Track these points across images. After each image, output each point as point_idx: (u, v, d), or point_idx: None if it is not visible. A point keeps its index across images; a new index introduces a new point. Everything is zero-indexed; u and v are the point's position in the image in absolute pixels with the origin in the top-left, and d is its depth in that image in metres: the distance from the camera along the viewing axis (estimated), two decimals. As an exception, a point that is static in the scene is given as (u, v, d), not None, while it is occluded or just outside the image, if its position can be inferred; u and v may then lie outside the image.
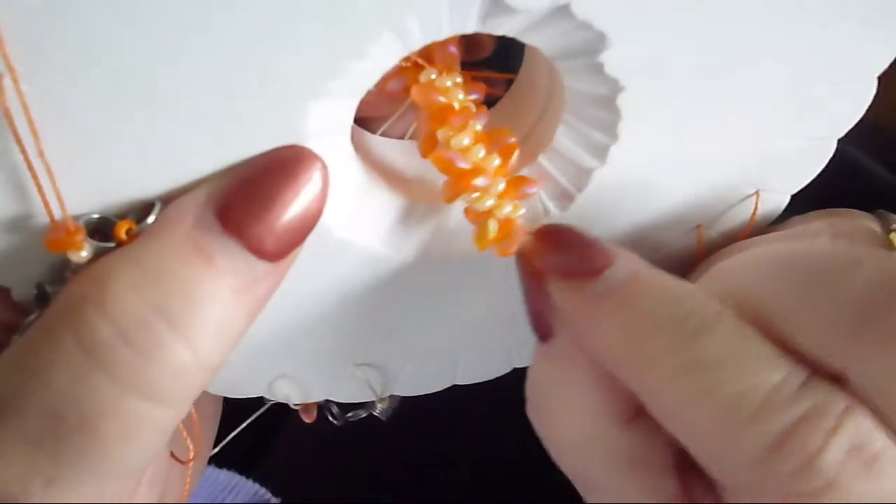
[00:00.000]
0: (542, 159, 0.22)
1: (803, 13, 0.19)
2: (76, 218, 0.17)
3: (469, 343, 0.25)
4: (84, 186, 0.17)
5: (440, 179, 0.21)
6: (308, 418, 0.26)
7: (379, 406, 0.27)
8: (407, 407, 0.31)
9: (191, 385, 0.17)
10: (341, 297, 0.22)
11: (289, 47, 0.16)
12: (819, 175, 0.23)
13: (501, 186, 0.20)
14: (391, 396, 0.27)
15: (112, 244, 0.17)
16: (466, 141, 0.20)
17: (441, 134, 0.20)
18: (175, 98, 0.16)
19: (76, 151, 0.17)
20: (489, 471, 0.35)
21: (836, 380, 0.16)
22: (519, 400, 0.21)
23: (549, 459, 0.20)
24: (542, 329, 0.20)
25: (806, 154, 0.23)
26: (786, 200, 0.24)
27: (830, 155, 0.23)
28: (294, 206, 0.18)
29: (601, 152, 0.21)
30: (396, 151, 0.23)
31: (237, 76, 0.16)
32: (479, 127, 0.20)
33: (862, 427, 0.16)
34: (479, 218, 0.21)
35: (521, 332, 0.21)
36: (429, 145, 0.20)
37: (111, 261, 0.17)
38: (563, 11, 0.18)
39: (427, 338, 0.25)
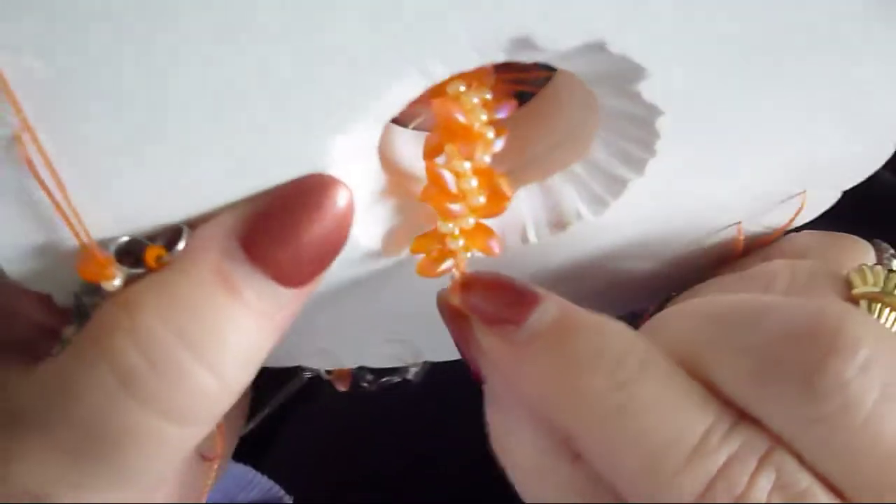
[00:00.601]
0: (576, 167, 0.22)
1: (850, 32, 0.18)
2: (106, 242, 0.18)
3: None
4: (115, 212, 0.18)
5: None
6: (342, 386, 0.27)
7: (412, 370, 0.28)
8: (408, 404, 0.32)
9: (215, 407, 0.18)
10: (368, 288, 0.23)
11: (309, 86, 0.17)
12: None
13: (471, 223, 0.20)
14: (424, 362, 0.27)
15: (142, 270, 0.18)
16: (467, 166, 0.20)
17: (448, 149, 0.20)
18: (198, 129, 0.17)
19: (107, 180, 0.17)
20: (493, 469, 0.36)
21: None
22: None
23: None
24: (476, 373, 0.20)
25: (860, 155, 0.22)
26: (837, 196, 0.24)
27: (889, 155, 0.22)
28: (318, 235, 0.18)
29: (638, 165, 0.21)
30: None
31: (260, 111, 0.17)
32: (487, 158, 0.20)
33: (785, 467, 0.16)
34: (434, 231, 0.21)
35: None
36: (434, 152, 0.20)
37: (141, 289, 0.18)
38: (598, 46, 0.17)
39: None
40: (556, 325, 0.18)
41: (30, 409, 0.18)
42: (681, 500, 0.16)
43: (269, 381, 0.28)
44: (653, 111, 0.19)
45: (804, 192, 0.23)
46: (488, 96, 0.20)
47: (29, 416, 0.18)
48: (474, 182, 0.20)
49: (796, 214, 0.24)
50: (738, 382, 0.17)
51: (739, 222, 0.24)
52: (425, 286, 0.23)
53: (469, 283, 0.20)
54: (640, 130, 0.20)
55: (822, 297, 0.19)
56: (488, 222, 0.22)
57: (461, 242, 0.20)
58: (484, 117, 0.20)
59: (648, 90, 0.18)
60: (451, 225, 0.20)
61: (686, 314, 0.19)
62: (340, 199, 0.18)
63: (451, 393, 0.26)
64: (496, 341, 0.19)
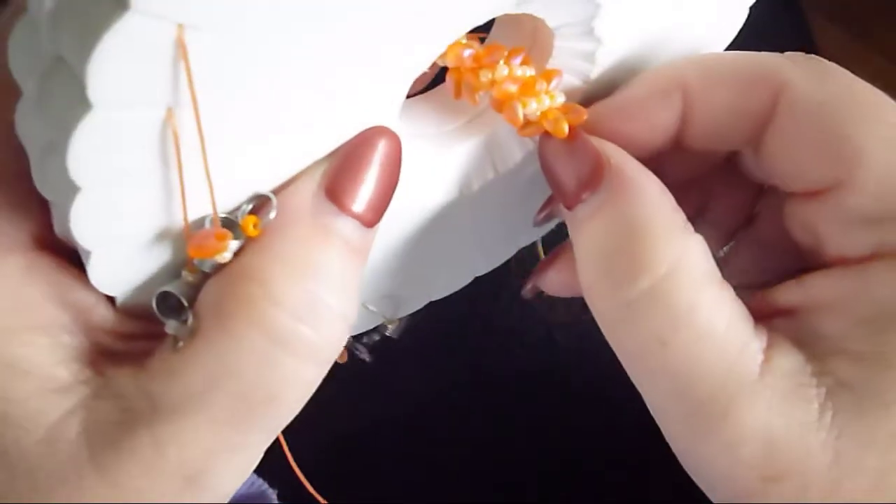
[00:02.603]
0: None
1: None
2: (200, 220, 0.19)
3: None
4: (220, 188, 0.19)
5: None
6: (341, 360, 0.29)
7: (390, 328, 0.30)
8: (407, 406, 0.34)
9: (343, 341, 0.20)
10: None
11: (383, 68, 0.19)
12: None
13: (543, 86, 0.23)
14: (401, 318, 0.30)
15: (240, 241, 0.19)
16: (505, 71, 0.22)
17: (483, 76, 0.22)
18: (296, 116, 0.19)
19: (214, 163, 0.18)
20: (490, 469, 0.38)
21: None
22: (518, 403, 0.25)
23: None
24: (591, 179, 0.21)
25: None
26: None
27: None
28: (381, 175, 0.21)
29: (582, 76, 0.24)
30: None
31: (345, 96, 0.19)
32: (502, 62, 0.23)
33: None
34: (534, 124, 0.23)
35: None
36: (472, 92, 0.23)
37: (257, 258, 0.19)
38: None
39: (440, 270, 0.28)
40: None
41: (170, 398, 0.18)
42: None
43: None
44: (598, 43, 0.23)
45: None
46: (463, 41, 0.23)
47: (171, 404, 0.18)
48: (519, 70, 0.23)
49: None
50: None
51: None
52: (410, 239, 0.25)
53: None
54: (584, 62, 0.24)
55: None
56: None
57: (549, 101, 0.23)
58: (477, 45, 0.23)
59: (599, 26, 0.22)
60: (546, 101, 0.23)
61: None
62: (391, 142, 0.21)
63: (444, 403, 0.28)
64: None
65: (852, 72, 0.22)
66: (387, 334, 0.30)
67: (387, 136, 0.21)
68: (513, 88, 0.22)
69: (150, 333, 0.20)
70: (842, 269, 0.21)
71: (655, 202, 0.21)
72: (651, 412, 0.21)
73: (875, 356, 0.19)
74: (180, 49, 0.15)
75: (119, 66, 0.15)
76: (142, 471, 0.18)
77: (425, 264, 0.27)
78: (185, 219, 0.18)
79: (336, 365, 0.38)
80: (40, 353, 0.19)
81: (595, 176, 0.21)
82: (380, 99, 0.20)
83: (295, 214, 0.20)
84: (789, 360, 0.20)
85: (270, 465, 0.34)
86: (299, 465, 0.36)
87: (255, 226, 0.19)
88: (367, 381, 0.42)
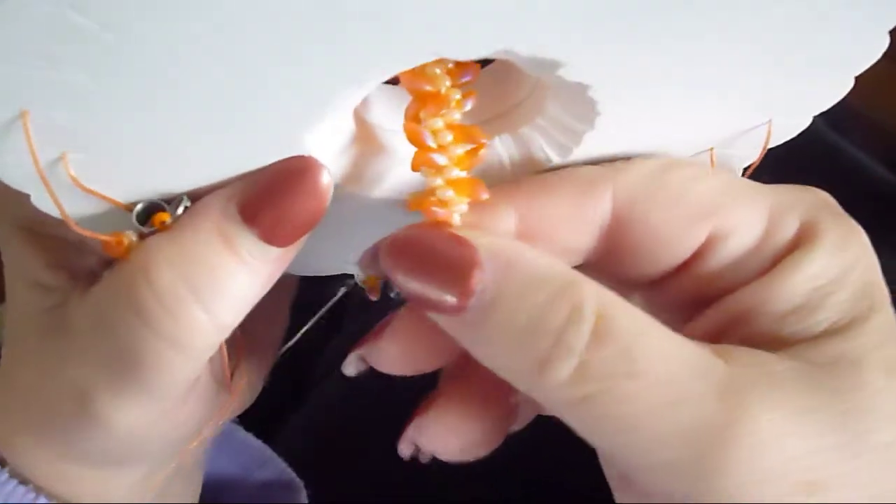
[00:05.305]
0: (539, 120, 0.24)
1: None
2: (133, 203, 0.22)
3: None
4: (141, 184, 0.21)
5: None
6: (374, 296, 0.30)
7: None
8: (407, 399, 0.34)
9: (208, 340, 0.22)
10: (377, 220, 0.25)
11: (284, 94, 0.20)
12: (819, 176, 0.24)
13: (456, 174, 0.22)
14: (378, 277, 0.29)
15: (154, 228, 0.22)
16: (440, 124, 0.22)
17: (422, 114, 0.22)
18: (201, 126, 0.20)
19: (137, 165, 0.21)
20: (487, 471, 0.37)
21: None
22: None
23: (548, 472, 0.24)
24: (468, 279, 0.20)
25: (822, 83, 0.23)
26: (808, 122, 0.25)
27: (849, 88, 0.23)
28: (300, 206, 0.21)
29: (588, 119, 0.23)
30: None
31: (248, 115, 0.20)
32: (457, 116, 0.22)
33: None
34: (425, 199, 0.22)
35: None
36: (414, 119, 0.22)
37: (156, 241, 0.21)
38: (507, 52, 0.20)
39: None
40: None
41: (78, 327, 0.22)
42: None
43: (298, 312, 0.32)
44: (581, 86, 0.21)
45: (770, 121, 0.24)
46: (450, 65, 0.22)
47: (78, 331, 0.22)
48: (450, 136, 0.22)
49: (766, 143, 0.25)
50: None
51: (711, 148, 0.25)
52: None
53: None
54: (579, 96, 0.22)
55: None
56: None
57: (450, 193, 0.22)
58: (448, 83, 0.22)
59: (568, 74, 0.21)
60: (438, 179, 0.22)
61: None
62: (319, 178, 0.21)
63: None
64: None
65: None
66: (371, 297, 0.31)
67: (312, 169, 0.21)
68: (430, 143, 0.22)
69: None
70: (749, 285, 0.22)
71: (544, 262, 0.20)
72: (637, 477, 0.20)
73: (821, 335, 0.21)
74: None
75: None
76: (53, 370, 0.23)
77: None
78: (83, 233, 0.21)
79: (334, 361, 0.38)
80: (42, 254, 0.24)
81: (474, 265, 0.20)
82: (318, 127, 0.21)
83: (202, 214, 0.21)
84: (748, 355, 0.20)
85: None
86: (299, 459, 0.38)
87: (162, 221, 0.22)
88: (367, 375, 0.42)
